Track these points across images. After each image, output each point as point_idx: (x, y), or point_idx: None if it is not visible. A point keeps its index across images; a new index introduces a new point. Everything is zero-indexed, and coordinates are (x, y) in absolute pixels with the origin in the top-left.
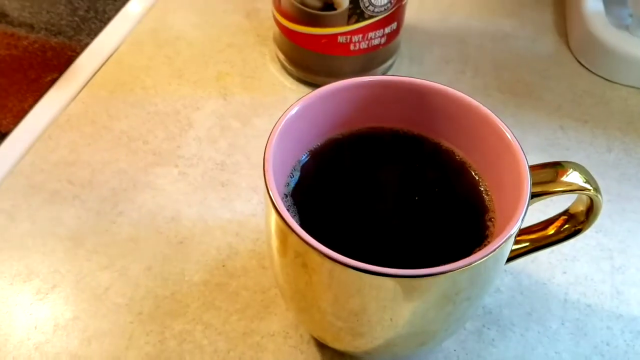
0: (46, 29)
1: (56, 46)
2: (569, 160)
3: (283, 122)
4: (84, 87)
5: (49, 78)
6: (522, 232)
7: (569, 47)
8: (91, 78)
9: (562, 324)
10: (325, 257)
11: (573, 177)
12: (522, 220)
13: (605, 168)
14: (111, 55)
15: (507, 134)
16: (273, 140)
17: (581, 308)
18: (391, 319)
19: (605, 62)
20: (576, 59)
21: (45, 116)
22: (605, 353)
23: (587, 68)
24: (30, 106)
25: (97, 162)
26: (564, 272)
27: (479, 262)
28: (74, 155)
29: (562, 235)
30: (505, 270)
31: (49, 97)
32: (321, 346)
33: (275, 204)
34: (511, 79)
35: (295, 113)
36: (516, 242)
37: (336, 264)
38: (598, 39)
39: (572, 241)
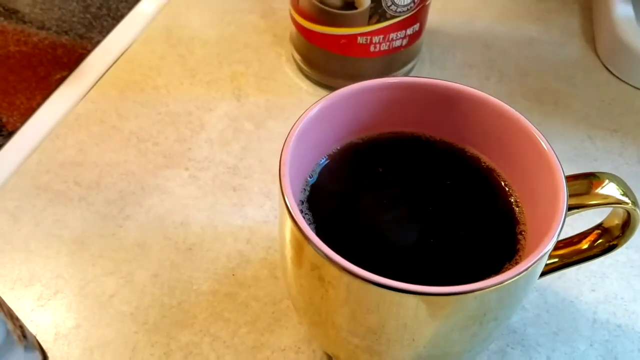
0: (57, 26)
1: (67, 43)
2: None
3: (302, 124)
4: (93, 85)
5: (58, 76)
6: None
7: (596, 54)
8: (101, 77)
9: (591, 345)
10: (343, 271)
11: (609, 189)
12: (559, 235)
13: (635, 180)
14: (123, 54)
15: (541, 141)
16: (290, 142)
17: (611, 329)
18: (412, 339)
19: (635, 69)
20: (604, 65)
21: (53, 115)
22: None
23: (615, 75)
24: (39, 104)
25: (105, 163)
26: (593, 290)
27: (511, 281)
28: (81, 155)
29: (595, 251)
30: None
31: (57, 96)
32: None
33: (291, 210)
34: (537, 85)
35: (315, 114)
36: None
37: (355, 278)
38: (628, 45)
39: (601, 257)
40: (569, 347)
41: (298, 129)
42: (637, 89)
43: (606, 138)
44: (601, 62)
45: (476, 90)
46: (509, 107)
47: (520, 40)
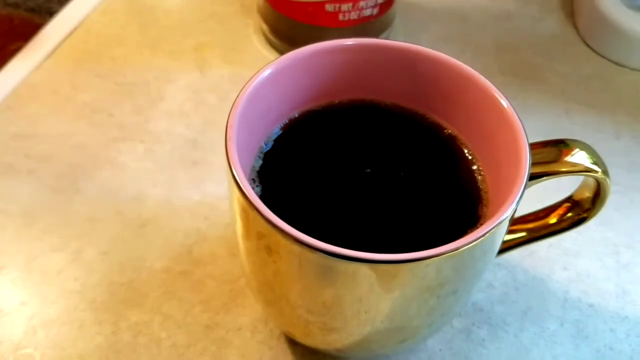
0: None
1: (24, 14)
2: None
3: (252, 86)
4: (49, 56)
5: (14, 47)
6: (519, 220)
7: (575, 28)
8: (57, 47)
9: (561, 324)
10: (290, 239)
11: (579, 157)
12: (518, 202)
13: (613, 156)
14: (81, 24)
15: (504, 104)
16: (239, 105)
17: (583, 308)
18: (366, 312)
19: (614, 44)
20: (583, 40)
21: (5, 86)
22: (608, 358)
23: (594, 50)
24: None
25: (57, 135)
26: (565, 268)
27: (466, 247)
28: (32, 127)
29: (564, 225)
30: (499, 264)
31: (11, 66)
32: (292, 343)
33: (236, 176)
34: (514, 60)
35: (267, 77)
36: (511, 232)
37: (303, 247)
38: (607, 19)
39: (573, 235)
40: (538, 326)
41: (248, 90)
42: (616, 64)
43: (583, 113)
44: (580, 36)
45: (439, 53)
46: (473, 70)
47: (498, 13)
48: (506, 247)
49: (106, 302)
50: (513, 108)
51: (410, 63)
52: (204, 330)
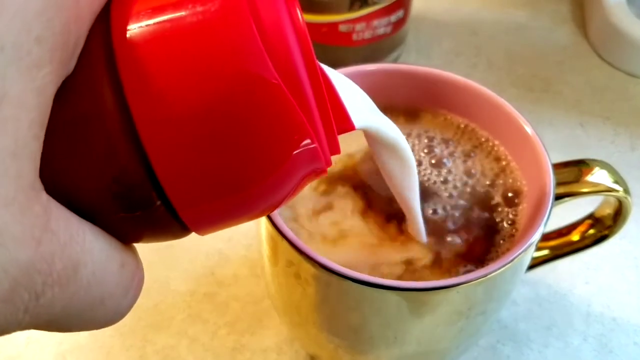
0: None
1: None
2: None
3: None
4: None
5: None
6: (541, 238)
7: (587, 39)
8: None
9: (585, 339)
10: (320, 268)
11: (600, 177)
12: (545, 225)
13: (628, 168)
14: None
15: (527, 128)
16: None
17: (605, 322)
18: (395, 337)
19: (626, 55)
20: (595, 51)
21: None
22: None
23: (607, 61)
24: None
25: None
26: (586, 282)
27: (496, 273)
28: None
29: (586, 242)
30: (522, 280)
31: None
32: None
33: None
34: (526, 73)
35: None
36: (535, 250)
37: (333, 275)
38: (619, 30)
39: (594, 249)
40: (563, 342)
41: None
42: (629, 75)
43: (598, 126)
44: (592, 48)
45: (457, 76)
46: (492, 93)
47: (509, 26)
48: (531, 265)
49: (133, 326)
50: (535, 132)
51: (430, 86)
52: (231, 352)
